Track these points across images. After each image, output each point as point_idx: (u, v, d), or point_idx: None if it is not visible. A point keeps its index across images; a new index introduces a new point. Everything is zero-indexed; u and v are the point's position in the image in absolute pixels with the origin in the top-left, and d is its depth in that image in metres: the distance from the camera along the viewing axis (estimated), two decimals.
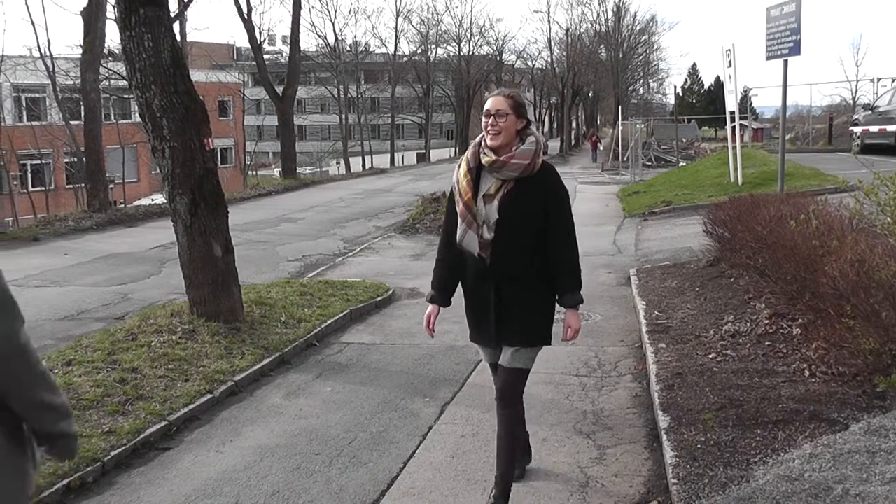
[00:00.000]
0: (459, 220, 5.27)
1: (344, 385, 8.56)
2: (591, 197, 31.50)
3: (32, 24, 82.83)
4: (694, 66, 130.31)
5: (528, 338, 5.34)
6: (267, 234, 21.39)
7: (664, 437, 6.16)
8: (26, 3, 63.02)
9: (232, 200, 22.20)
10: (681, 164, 45.86)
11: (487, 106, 5.24)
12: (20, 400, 2.84)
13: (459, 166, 5.38)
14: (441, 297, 5.60)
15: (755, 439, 5.84)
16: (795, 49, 15.86)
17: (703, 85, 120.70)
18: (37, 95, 48.70)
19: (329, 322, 10.72)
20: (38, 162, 47.06)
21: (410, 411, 7.64)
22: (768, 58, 16.75)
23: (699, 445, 5.85)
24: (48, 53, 34.07)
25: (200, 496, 6.02)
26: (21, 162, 42.74)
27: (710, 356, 7.99)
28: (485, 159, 5.20)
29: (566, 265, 5.29)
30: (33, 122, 41.79)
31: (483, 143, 5.27)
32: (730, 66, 23.70)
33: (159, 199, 29.97)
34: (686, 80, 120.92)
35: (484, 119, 5.26)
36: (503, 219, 5.14)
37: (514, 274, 5.22)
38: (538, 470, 6.18)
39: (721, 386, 7.02)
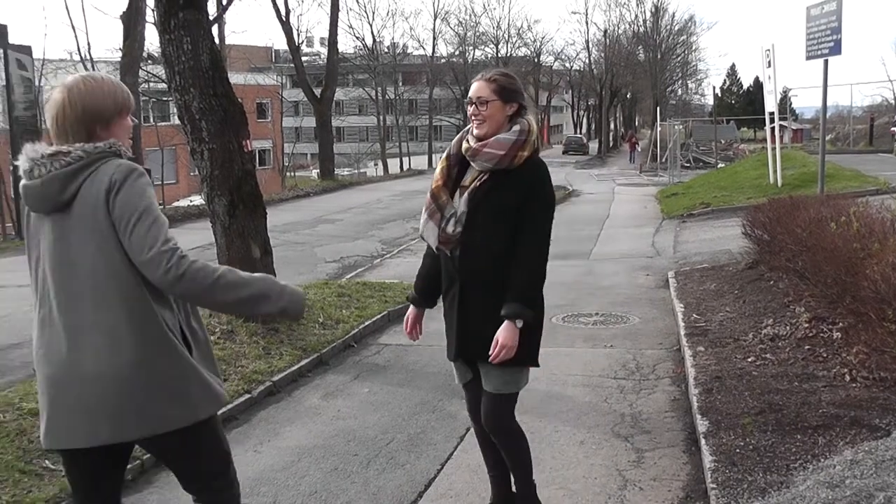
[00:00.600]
0: (423, 208, 4.85)
1: (381, 386, 8.58)
2: (629, 199, 31.44)
3: (73, 28, 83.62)
4: (733, 67, 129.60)
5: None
6: (305, 236, 21.49)
7: (703, 441, 6.12)
8: (67, 8, 64.01)
9: (270, 202, 22.35)
10: (719, 165, 45.69)
11: (470, 92, 4.70)
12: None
13: None
14: (420, 298, 5.10)
15: (795, 444, 5.79)
16: (836, 49, 15.72)
17: (742, 85, 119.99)
18: None
19: (367, 323, 10.76)
20: None
21: (448, 413, 7.63)
22: (808, 58, 16.63)
23: (738, 450, 5.80)
24: (88, 57, 34.28)
25: None
26: None
27: (750, 360, 7.93)
28: (465, 146, 4.71)
29: (517, 270, 4.52)
30: None
31: (470, 132, 4.73)
32: (769, 66, 23.59)
33: (198, 200, 30.10)
34: (725, 80, 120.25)
35: (468, 108, 4.72)
36: (472, 213, 4.59)
37: (481, 278, 4.62)
38: (576, 472, 6.16)
39: (760, 390, 6.97)
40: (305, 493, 6.03)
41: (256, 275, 3.73)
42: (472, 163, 4.68)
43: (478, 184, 4.62)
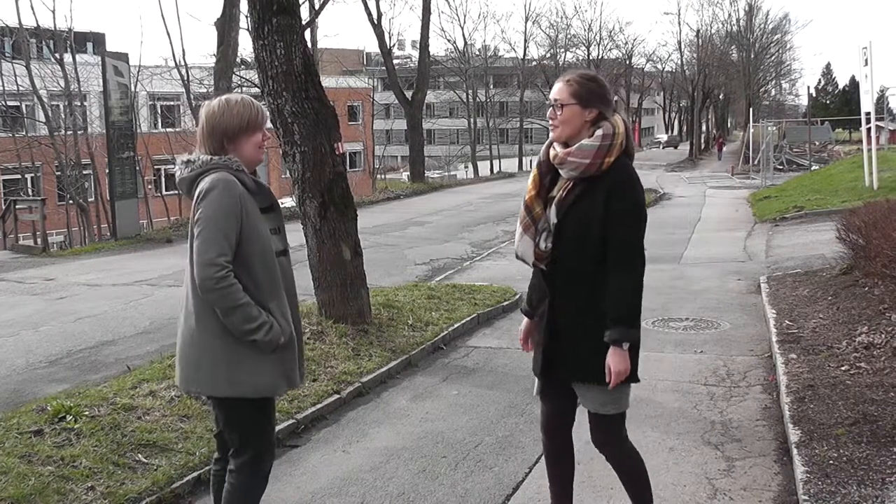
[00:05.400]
0: (518, 223, 4.61)
1: (470, 389, 8.59)
2: (720, 202, 31.09)
3: (168, 35, 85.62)
4: (828, 66, 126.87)
5: (585, 374, 4.46)
6: (395, 238, 21.62)
7: (795, 451, 6.03)
8: (162, 16, 65.22)
9: (361, 204, 22.48)
10: (813, 167, 44.95)
11: (550, 93, 4.52)
12: None
13: None
14: (533, 310, 4.80)
15: (891, 457, 5.68)
16: None
17: (838, 85, 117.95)
18: (171, 103, 50.02)
19: (456, 326, 10.77)
20: (172, 167, 48.05)
21: (537, 416, 7.49)
22: None
23: (831, 461, 5.71)
24: (183, 63, 34.92)
25: (327, 494, 6.12)
26: (155, 167, 43.89)
27: (843, 368, 7.79)
28: (551, 153, 4.48)
29: (612, 291, 4.31)
30: (168, 129, 42.93)
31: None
32: (866, 64, 23.16)
33: (289, 202, 30.41)
34: (819, 80, 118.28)
35: (548, 110, 4.51)
36: (560, 225, 4.39)
37: (572, 296, 4.44)
38: (665, 479, 6.11)
39: (854, 400, 6.85)
40: (393, 494, 6.07)
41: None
42: (559, 170, 4.48)
43: (563, 193, 4.43)
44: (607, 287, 4.32)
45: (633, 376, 4.46)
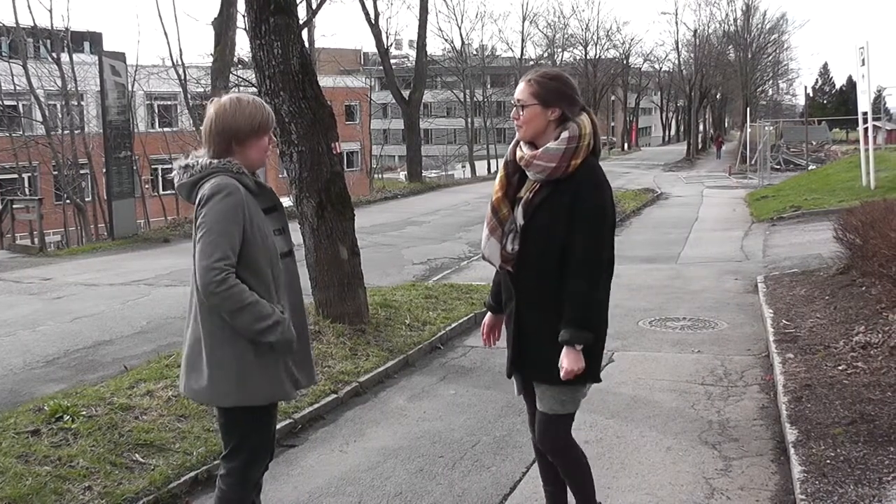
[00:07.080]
0: (484, 224, 4.60)
1: (468, 388, 8.59)
2: (717, 202, 31.07)
3: (165, 35, 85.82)
4: (825, 66, 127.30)
5: (548, 374, 4.42)
6: (392, 237, 21.60)
7: (792, 451, 6.04)
8: (160, 15, 65.13)
9: (358, 203, 22.49)
10: (810, 167, 45.02)
11: (515, 94, 4.51)
12: None
13: None
14: (497, 305, 4.86)
15: (888, 457, 5.68)
16: None
17: (835, 85, 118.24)
18: (168, 103, 49.93)
19: (453, 325, 10.77)
20: (169, 166, 47.80)
21: None
22: None
23: (828, 461, 5.71)
24: (180, 62, 34.84)
25: (324, 494, 6.12)
26: (152, 166, 43.87)
27: (840, 368, 7.79)
28: (518, 153, 4.48)
29: (569, 294, 4.28)
30: (165, 129, 42.88)
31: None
32: (863, 64, 23.15)
33: (286, 202, 30.45)
34: (817, 80, 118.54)
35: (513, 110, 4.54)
36: (526, 228, 4.39)
37: (536, 296, 4.44)
38: (662, 479, 6.11)
39: (852, 399, 6.85)
40: (391, 493, 6.07)
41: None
42: (526, 172, 4.47)
43: (530, 195, 4.42)
44: (564, 288, 4.32)
45: (594, 377, 4.52)
